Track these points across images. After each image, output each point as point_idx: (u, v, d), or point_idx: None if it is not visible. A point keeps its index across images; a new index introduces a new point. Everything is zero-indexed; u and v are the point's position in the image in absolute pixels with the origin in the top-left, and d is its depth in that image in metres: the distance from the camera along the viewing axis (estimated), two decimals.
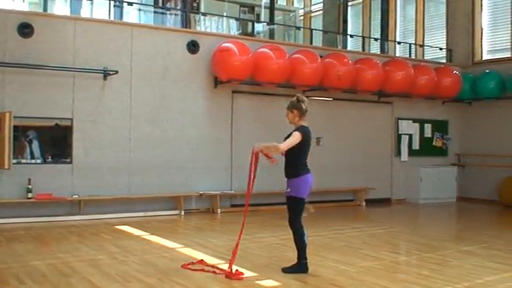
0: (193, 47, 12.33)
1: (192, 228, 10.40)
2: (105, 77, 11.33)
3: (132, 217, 11.31)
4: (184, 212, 11.92)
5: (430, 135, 16.15)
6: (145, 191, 11.71)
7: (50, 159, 10.88)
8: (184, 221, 11.29)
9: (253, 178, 6.66)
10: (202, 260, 7.25)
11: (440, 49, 16.94)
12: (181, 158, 12.17)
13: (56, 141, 10.99)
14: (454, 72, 15.54)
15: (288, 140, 6.53)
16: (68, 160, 11.02)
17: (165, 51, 12.06)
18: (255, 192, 12.54)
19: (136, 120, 11.70)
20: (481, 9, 16.21)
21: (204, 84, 12.50)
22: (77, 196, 10.99)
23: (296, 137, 6.54)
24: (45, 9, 12.11)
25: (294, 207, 6.64)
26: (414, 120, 15.80)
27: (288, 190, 6.64)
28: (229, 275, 6.44)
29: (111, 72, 11.31)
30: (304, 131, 6.61)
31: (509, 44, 15.58)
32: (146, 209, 11.69)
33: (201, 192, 12.19)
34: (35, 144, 10.75)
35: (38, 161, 10.75)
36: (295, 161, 6.61)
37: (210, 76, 12.53)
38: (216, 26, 14.62)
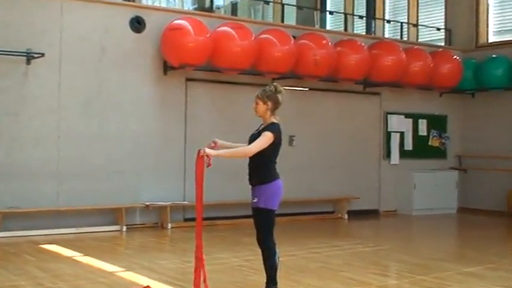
0: (137, 24, 12.24)
1: (136, 247, 10.33)
2: (28, 61, 11.19)
3: (61, 234, 11.18)
4: (127, 228, 11.84)
5: (425, 133, 16.32)
6: (78, 202, 11.59)
7: None
8: (127, 238, 11.21)
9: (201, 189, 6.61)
10: (148, 286, 7.20)
11: (438, 29, 17.14)
12: (122, 160, 12.08)
13: None
14: (454, 57, 15.73)
15: (257, 142, 6.46)
16: None
17: (102, 29, 11.95)
18: (211, 203, 12.60)
19: (67, 113, 11.57)
20: None
21: (151, 70, 12.43)
22: None
23: (267, 138, 6.46)
24: None
25: (264, 220, 6.58)
26: (406, 115, 15.95)
27: (255, 200, 6.57)
28: None
29: (36, 55, 11.18)
30: (277, 131, 6.56)
31: None
32: (79, 223, 11.57)
33: (147, 203, 12.12)
34: None
35: None
36: (265, 165, 6.56)
37: (158, 60, 12.46)
38: None
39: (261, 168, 6.55)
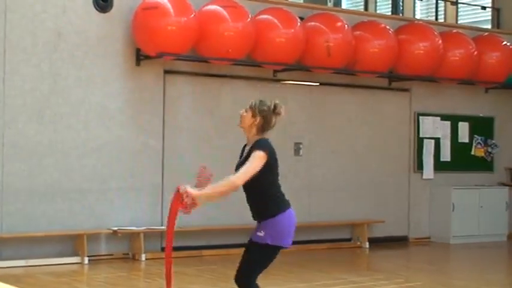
0: (103, 1, 12.27)
1: (101, 283, 10.34)
2: None
3: (6, 268, 11.16)
4: (89, 259, 11.81)
5: (466, 140, 16.32)
6: (27, 227, 11.58)
7: None
8: (89, 273, 11.21)
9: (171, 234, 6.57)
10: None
11: (483, 8, 17.17)
12: (84, 176, 12.07)
13: None
14: (504, 43, 15.76)
15: (246, 167, 6.35)
16: None
17: (58, 8, 11.95)
18: (197, 229, 12.64)
19: (13, 116, 11.58)
20: None
21: (120, 61, 12.45)
22: None
23: (258, 159, 6.33)
24: None
25: (263, 259, 6.55)
26: (443, 117, 15.97)
27: (261, 234, 6.49)
28: None
29: None
30: (269, 147, 6.48)
31: None
32: (29, 254, 11.56)
33: (115, 229, 12.14)
34: None
35: None
36: (267, 194, 6.53)
37: (129, 47, 12.48)
38: None
39: (264, 200, 6.50)
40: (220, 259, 12.23)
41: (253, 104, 6.54)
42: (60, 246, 11.87)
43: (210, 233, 12.85)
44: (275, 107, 6.53)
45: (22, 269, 11.19)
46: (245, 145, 6.63)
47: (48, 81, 11.87)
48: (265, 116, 6.50)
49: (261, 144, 6.42)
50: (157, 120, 12.75)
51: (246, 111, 6.52)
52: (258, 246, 6.49)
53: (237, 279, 6.52)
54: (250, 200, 6.57)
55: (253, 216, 6.59)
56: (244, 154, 6.54)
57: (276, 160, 6.51)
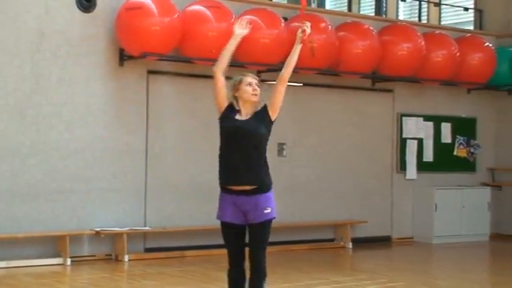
0: (86, 1, 12.20)
1: (84, 285, 10.30)
2: None
3: None
4: (72, 261, 11.76)
5: (449, 141, 16.34)
6: (9, 228, 11.51)
7: None
8: (72, 274, 11.16)
9: None
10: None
11: (466, 10, 17.18)
12: (66, 177, 12.01)
13: None
14: (486, 44, 15.78)
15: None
16: None
17: (41, 8, 11.89)
18: (179, 229, 12.62)
19: None
20: None
21: (103, 61, 12.39)
22: None
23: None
24: None
25: (268, 234, 6.63)
26: (425, 118, 15.99)
27: (268, 210, 6.51)
28: None
29: None
30: None
31: None
32: (10, 255, 11.48)
33: (98, 230, 12.07)
34: None
35: None
36: (265, 160, 6.64)
37: (112, 48, 12.42)
38: None
39: (264, 164, 6.60)
40: (202, 260, 12.17)
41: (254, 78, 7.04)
42: (42, 247, 11.80)
43: (192, 233, 12.79)
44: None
45: (3, 271, 11.10)
46: (233, 112, 6.97)
47: (30, 81, 11.80)
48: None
49: None
50: (141, 121, 12.69)
51: (257, 85, 6.78)
52: (268, 224, 6.56)
53: (253, 262, 6.52)
54: (251, 158, 6.55)
55: (242, 181, 6.51)
56: (257, 111, 6.93)
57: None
